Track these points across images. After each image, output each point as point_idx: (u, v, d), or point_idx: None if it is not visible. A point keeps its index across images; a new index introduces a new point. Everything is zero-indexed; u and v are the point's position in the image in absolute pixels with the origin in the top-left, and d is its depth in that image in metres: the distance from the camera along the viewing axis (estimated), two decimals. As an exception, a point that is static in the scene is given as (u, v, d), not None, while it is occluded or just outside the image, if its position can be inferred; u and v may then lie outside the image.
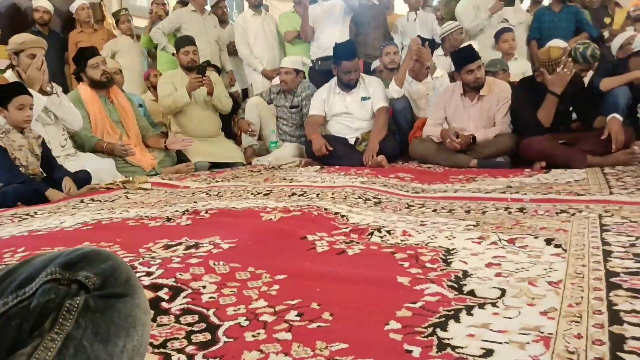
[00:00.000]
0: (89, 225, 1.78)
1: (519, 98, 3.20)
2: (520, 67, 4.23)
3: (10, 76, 2.98)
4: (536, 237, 1.37)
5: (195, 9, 4.65)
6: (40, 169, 2.65)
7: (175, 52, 4.15)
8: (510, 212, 1.75)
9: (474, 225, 1.57)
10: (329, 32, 4.41)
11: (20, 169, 2.53)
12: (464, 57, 3.28)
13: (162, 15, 4.87)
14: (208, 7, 4.96)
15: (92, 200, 2.44)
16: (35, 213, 2.14)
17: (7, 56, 3.10)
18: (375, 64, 4.49)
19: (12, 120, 2.56)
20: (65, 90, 3.63)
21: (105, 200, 2.41)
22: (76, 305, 0.44)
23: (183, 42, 3.96)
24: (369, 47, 4.55)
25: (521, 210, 1.78)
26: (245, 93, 5.07)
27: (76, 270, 0.46)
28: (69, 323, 0.43)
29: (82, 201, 2.41)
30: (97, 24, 5.13)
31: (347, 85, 3.68)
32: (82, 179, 2.77)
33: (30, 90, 2.68)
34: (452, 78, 3.88)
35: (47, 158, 2.70)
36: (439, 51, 4.49)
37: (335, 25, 4.44)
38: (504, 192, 2.14)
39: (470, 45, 3.51)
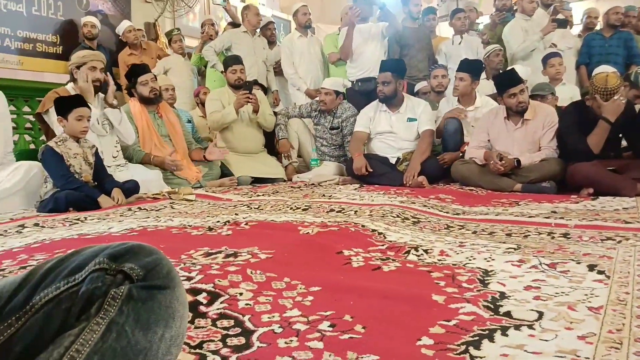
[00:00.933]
0: (135, 231, 1.85)
1: (567, 123, 3.12)
2: (568, 92, 4.14)
3: (70, 89, 3.17)
4: (578, 263, 1.33)
5: (247, 30, 4.81)
6: (92, 178, 2.79)
7: (223, 70, 4.30)
8: (553, 237, 1.71)
9: (515, 249, 1.54)
10: (368, 53, 4.45)
11: (75, 175, 2.67)
12: (506, 81, 3.24)
13: (213, 35, 5.06)
14: (258, 30, 5.12)
15: (139, 208, 2.54)
16: (85, 218, 2.25)
17: (67, 70, 3.30)
18: (419, 85, 4.50)
19: (70, 130, 2.71)
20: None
21: (152, 209, 2.50)
22: (120, 294, 0.47)
23: (231, 61, 4.09)
24: (413, 68, 4.57)
25: (565, 235, 1.73)
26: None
27: (122, 262, 0.49)
28: (113, 310, 0.46)
29: (129, 209, 2.51)
30: (150, 43, 5.37)
31: (382, 100, 3.70)
32: (131, 188, 2.89)
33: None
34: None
35: (99, 167, 2.83)
36: (483, 75, 4.45)
37: (374, 47, 4.48)
38: (547, 218, 2.09)
39: (512, 69, 3.46)
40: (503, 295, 1.10)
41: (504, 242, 1.64)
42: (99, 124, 3.16)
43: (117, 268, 0.49)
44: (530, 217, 2.14)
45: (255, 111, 3.99)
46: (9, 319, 0.46)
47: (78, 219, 2.23)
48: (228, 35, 4.91)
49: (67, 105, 2.70)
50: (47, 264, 0.51)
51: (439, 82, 4.16)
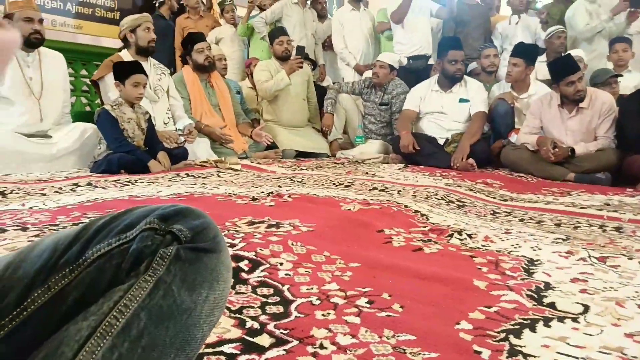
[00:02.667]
0: (182, 196, 1.90)
1: (628, 112, 2.96)
2: (633, 80, 3.89)
3: (125, 55, 3.25)
4: (630, 259, 1.27)
5: (298, 1, 4.77)
6: (143, 143, 2.87)
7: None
8: (604, 230, 1.64)
9: (563, 239, 1.49)
10: (418, 30, 4.33)
11: (127, 139, 2.76)
12: (563, 68, 3.07)
13: (266, 5, 5.02)
14: (309, 1, 5.07)
15: (187, 175, 2.60)
16: (136, 181, 2.33)
17: (119, 37, 3.39)
18: (473, 65, 4.36)
19: (126, 95, 2.79)
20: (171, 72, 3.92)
21: (199, 176, 2.56)
22: (169, 254, 0.48)
23: (277, 32, 4.11)
24: (468, 47, 4.38)
25: (617, 229, 1.65)
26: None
27: (171, 223, 0.51)
28: (161, 268, 0.47)
29: (178, 175, 2.58)
30: (205, 12, 5.41)
31: (452, 78, 3.57)
32: (180, 155, 2.97)
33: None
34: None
35: (150, 133, 2.92)
36: (542, 58, 4.25)
37: (424, 24, 4.36)
38: (600, 210, 2.00)
39: (569, 55, 3.27)
40: (548, 286, 1.07)
41: (552, 232, 1.59)
42: (151, 89, 3.24)
43: (167, 229, 0.50)
44: (581, 208, 2.06)
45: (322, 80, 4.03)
46: (63, 271, 0.49)
47: (129, 181, 2.32)
48: (279, 6, 4.88)
49: (125, 70, 2.78)
50: (100, 221, 0.53)
51: (490, 62, 4.01)
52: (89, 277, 0.48)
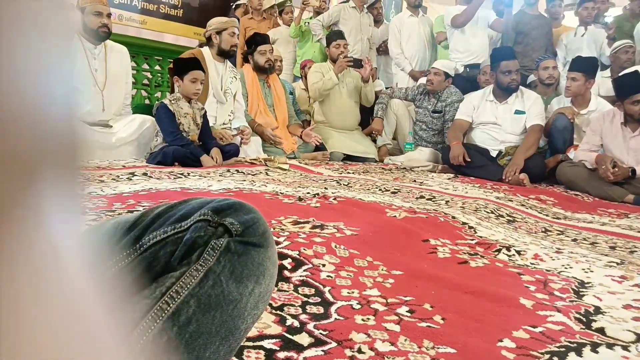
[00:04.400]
0: (231, 191, 1.95)
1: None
2: None
3: (206, 52, 3.40)
4: (693, 290, 1.20)
5: (355, 5, 4.78)
6: (197, 138, 2.96)
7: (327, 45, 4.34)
8: (665, 258, 1.55)
9: (617, 263, 1.42)
10: (477, 38, 4.24)
11: (182, 134, 2.85)
12: (630, 85, 2.91)
13: (323, 8, 5.05)
14: (365, 6, 5.07)
15: (237, 171, 2.66)
16: (188, 174, 2.40)
17: (194, 35, 3.52)
18: (532, 77, 4.22)
19: (184, 90, 2.89)
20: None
21: (248, 173, 2.61)
22: (220, 245, 0.50)
23: (335, 36, 4.13)
24: (527, 58, 4.27)
25: (680, 258, 1.56)
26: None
27: (224, 216, 0.53)
28: (212, 259, 0.49)
29: (228, 170, 2.64)
30: (267, 13, 5.51)
31: (507, 89, 3.46)
32: (231, 151, 3.04)
33: (212, 68, 3.02)
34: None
35: (205, 128, 3.00)
36: (606, 73, 4.07)
37: (482, 33, 4.27)
38: (661, 235, 1.90)
39: (637, 72, 3.09)
40: (598, 310, 1.02)
41: (606, 255, 1.52)
42: (222, 90, 3.35)
43: (219, 221, 0.52)
44: (639, 232, 1.95)
45: (366, 80, 4.01)
46: (120, 254, 0.51)
47: (182, 174, 2.39)
48: (337, 10, 4.91)
49: (184, 66, 2.88)
50: (157, 209, 0.55)
51: (549, 74, 3.86)
52: (144, 262, 0.50)
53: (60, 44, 0.16)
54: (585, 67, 3.39)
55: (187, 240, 0.51)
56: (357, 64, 3.95)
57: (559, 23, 4.71)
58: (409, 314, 0.93)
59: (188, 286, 0.47)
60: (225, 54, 3.43)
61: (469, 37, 4.31)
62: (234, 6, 5.34)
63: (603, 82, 3.92)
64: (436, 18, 4.87)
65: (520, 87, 3.55)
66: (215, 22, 3.42)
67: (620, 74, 3.31)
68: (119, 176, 2.20)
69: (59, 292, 0.15)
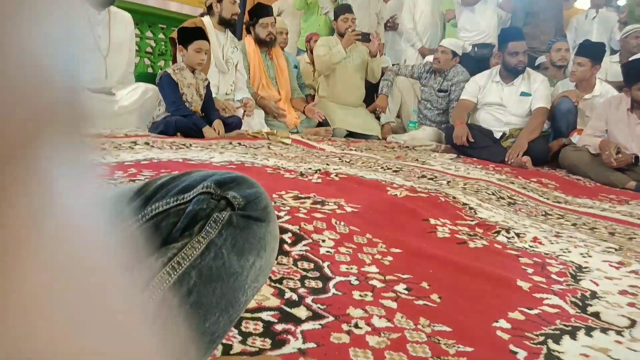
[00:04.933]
0: (233, 164, 1.95)
1: None
2: None
3: (207, 21, 3.34)
4: (689, 278, 1.21)
5: (364, -22, 4.70)
6: (200, 108, 2.94)
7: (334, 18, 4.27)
8: (663, 245, 1.56)
9: (616, 249, 1.42)
10: (485, 18, 4.18)
11: (185, 104, 2.83)
12: (638, 72, 2.89)
13: None
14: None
15: (239, 144, 2.65)
16: (190, 145, 2.40)
17: (199, 4, 3.46)
18: (541, 59, 4.17)
19: (188, 60, 2.86)
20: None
21: (250, 147, 2.60)
22: (222, 218, 0.50)
23: (343, 9, 4.06)
24: (536, 40, 4.21)
25: (678, 246, 1.57)
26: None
27: (226, 190, 0.52)
28: (214, 232, 0.49)
29: (230, 143, 2.64)
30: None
31: (514, 71, 3.43)
32: (234, 124, 3.02)
33: (212, 37, 2.98)
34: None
35: (208, 99, 2.98)
36: (615, 57, 4.01)
37: (491, 13, 4.21)
38: (660, 223, 1.90)
39: None
40: (594, 295, 1.03)
41: (605, 241, 1.53)
42: (223, 60, 3.31)
43: (222, 194, 0.52)
44: (639, 219, 1.96)
45: (374, 55, 3.97)
46: (122, 224, 0.51)
47: (184, 144, 2.39)
48: (345, -18, 4.83)
49: (188, 36, 2.84)
50: (160, 180, 0.55)
51: (562, 56, 3.81)
52: (146, 232, 0.50)
53: (72, 9, 0.15)
54: (593, 52, 3.35)
55: (190, 212, 0.51)
56: (365, 38, 3.89)
57: (570, 4, 4.63)
58: (406, 292, 0.94)
59: (190, 257, 0.47)
60: (226, 23, 3.37)
61: (477, 16, 4.25)
62: None
63: (611, 66, 3.88)
64: (445, -4, 4.80)
65: (528, 69, 3.51)
66: None
67: (629, 59, 3.27)
68: (121, 145, 2.20)
69: (70, 249, 0.15)
